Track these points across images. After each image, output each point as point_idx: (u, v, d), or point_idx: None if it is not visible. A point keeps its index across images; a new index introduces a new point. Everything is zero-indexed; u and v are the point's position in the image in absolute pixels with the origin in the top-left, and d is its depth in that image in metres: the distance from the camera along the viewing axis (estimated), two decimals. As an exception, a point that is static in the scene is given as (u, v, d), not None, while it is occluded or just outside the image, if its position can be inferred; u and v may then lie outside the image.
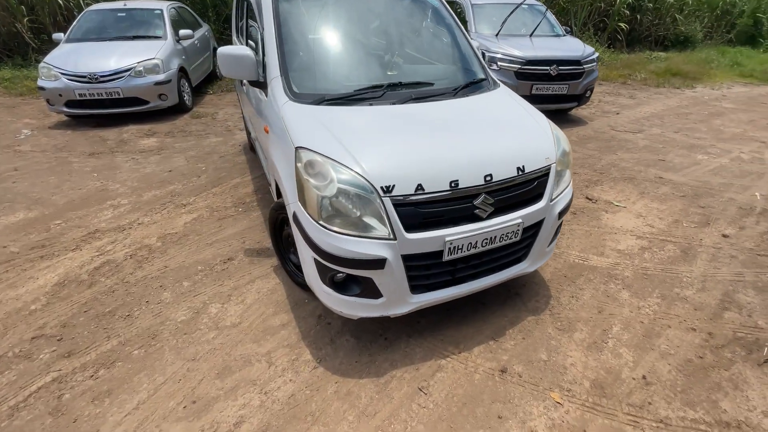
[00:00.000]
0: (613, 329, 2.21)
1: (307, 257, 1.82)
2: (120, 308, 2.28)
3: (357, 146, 1.73)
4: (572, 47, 5.47)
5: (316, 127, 1.85)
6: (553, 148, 1.99)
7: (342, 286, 1.79)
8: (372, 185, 1.61)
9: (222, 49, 2.21)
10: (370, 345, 2.05)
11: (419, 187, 1.64)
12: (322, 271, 1.76)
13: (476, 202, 1.74)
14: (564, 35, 6.00)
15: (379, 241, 1.64)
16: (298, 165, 1.74)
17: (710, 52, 11.34)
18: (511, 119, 2.14)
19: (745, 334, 2.20)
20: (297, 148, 1.77)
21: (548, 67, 5.10)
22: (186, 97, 5.85)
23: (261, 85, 2.33)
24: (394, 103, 2.08)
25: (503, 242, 1.87)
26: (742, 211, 3.47)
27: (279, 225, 2.36)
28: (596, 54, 5.52)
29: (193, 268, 2.62)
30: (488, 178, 1.75)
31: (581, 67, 5.23)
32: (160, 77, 5.28)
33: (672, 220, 3.32)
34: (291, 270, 2.40)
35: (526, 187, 1.88)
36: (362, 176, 1.62)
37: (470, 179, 1.72)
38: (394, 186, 1.62)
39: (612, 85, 8.21)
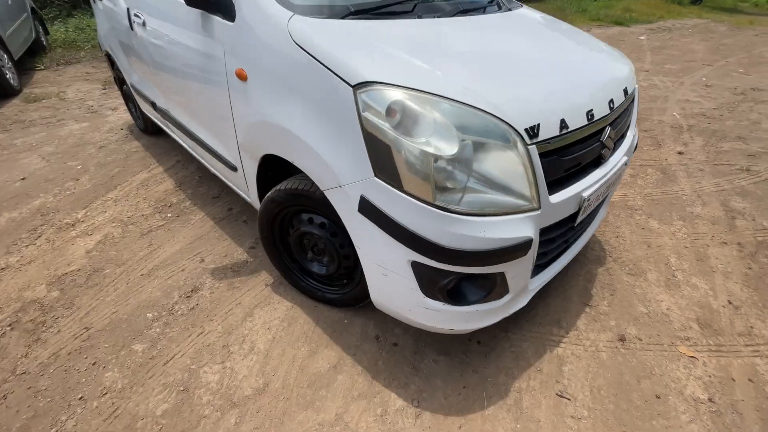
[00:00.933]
0: (671, 260, 2.09)
1: (393, 263, 1.15)
2: (33, 424, 1.27)
3: (463, 74, 1.09)
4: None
5: (374, 48, 1.13)
6: (630, 68, 1.64)
7: (454, 294, 1.19)
8: (514, 128, 1.02)
9: None
10: (468, 358, 1.51)
11: (563, 125, 1.11)
12: (429, 280, 1.12)
13: (603, 138, 1.29)
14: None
15: (521, 216, 1.08)
16: (368, 115, 1.03)
17: (562, 1, 12.72)
18: (580, 37, 1.71)
19: (763, 237, 2.30)
20: (359, 86, 1.04)
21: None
22: (9, 75, 3.99)
23: (210, 5, 1.42)
24: (439, 16, 1.45)
25: (612, 189, 1.49)
26: (676, 130, 3.79)
27: (280, 225, 1.57)
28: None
29: (139, 319, 1.65)
30: (611, 105, 1.31)
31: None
32: (-47, 43, 3.41)
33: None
34: (308, 286, 1.66)
35: (627, 115, 1.50)
36: (497, 117, 1.01)
37: (600, 108, 1.25)
38: (539, 126, 1.05)
39: (502, 32, 8.50)
